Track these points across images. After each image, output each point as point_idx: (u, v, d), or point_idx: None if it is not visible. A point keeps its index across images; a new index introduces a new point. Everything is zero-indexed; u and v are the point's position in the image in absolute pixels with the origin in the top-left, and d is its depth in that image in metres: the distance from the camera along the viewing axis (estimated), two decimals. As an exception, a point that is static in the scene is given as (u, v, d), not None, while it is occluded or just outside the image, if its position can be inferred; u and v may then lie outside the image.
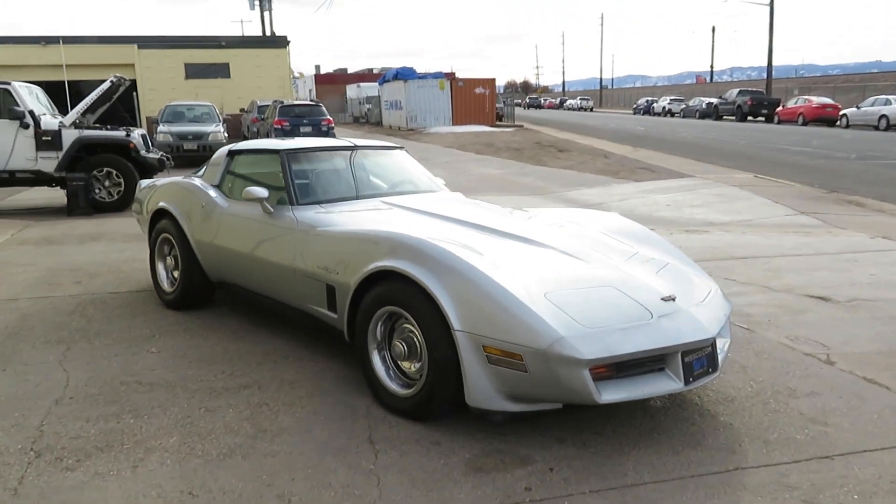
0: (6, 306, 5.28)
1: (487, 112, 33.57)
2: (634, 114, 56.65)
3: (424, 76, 32.85)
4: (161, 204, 5.21)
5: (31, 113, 9.96)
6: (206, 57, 28.08)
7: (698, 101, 45.25)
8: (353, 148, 4.94)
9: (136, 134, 10.68)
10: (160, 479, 2.84)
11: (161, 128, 17.21)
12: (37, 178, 10.18)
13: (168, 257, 5.26)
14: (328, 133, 19.19)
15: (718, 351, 3.42)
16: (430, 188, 5.02)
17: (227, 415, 3.42)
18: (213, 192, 4.88)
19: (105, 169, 10.30)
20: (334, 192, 4.54)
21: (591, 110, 67.30)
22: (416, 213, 4.14)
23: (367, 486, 2.81)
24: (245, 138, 22.59)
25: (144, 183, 6.04)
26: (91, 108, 10.66)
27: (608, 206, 11.40)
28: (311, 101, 22.74)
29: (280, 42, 30.16)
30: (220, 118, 18.36)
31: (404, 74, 32.82)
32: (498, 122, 34.72)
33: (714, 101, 42.28)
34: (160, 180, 5.70)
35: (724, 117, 40.37)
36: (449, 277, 3.17)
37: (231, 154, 5.04)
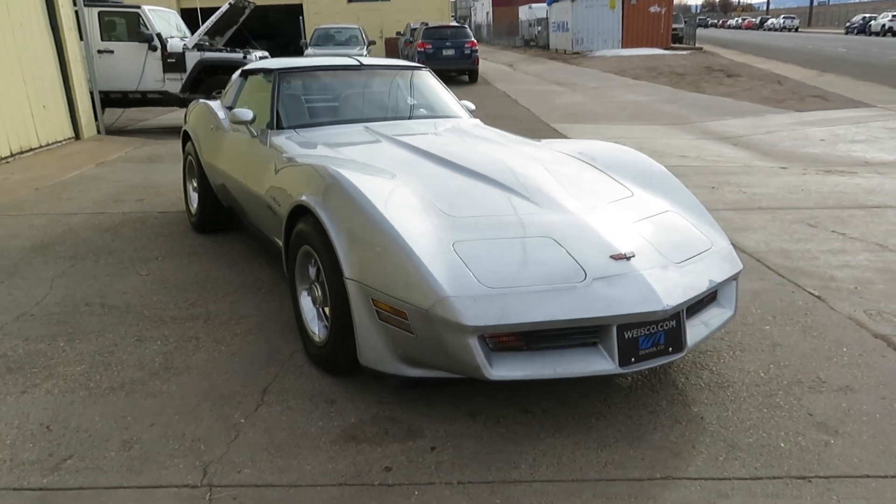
0: (60, 220, 5.57)
1: (662, 33, 30.90)
2: (846, 33, 49.63)
3: (595, -6, 30.75)
4: (185, 126, 5.16)
5: (159, 36, 10.46)
6: (368, -20, 28.25)
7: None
8: (359, 67, 4.50)
9: (254, 56, 10.89)
10: (33, 409, 2.77)
11: (308, 51, 17.59)
12: (164, 99, 10.77)
13: (193, 180, 5.23)
14: (470, 56, 18.60)
15: (690, 326, 2.72)
16: (445, 113, 4.49)
17: (150, 347, 3.30)
18: (221, 115, 4.71)
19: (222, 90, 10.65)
20: (317, 116, 4.17)
21: (796, 30, 59.97)
22: (389, 142, 3.67)
23: (218, 442, 2.54)
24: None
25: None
26: (218, 31, 10.99)
27: (748, 138, 9.99)
28: (456, 23, 22.08)
29: (441, -38, 29.53)
30: (366, 42, 18.39)
31: (573, -8, 30.91)
32: (674, 45, 31.93)
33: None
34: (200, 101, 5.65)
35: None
36: (349, 218, 2.73)
37: (244, 74, 4.82)
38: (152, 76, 10.55)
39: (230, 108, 4.76)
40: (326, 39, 18.36)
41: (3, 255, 4.67)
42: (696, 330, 2.76)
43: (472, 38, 18.92)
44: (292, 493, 2.27)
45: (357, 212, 2.70)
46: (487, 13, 58.31)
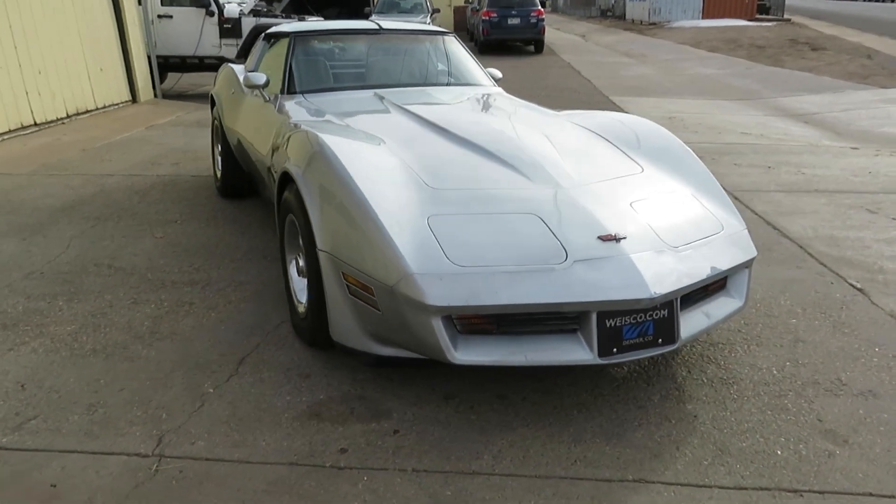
0: (96, 181, 5.68)
1: (747, 3, 29.33)
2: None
3: (675, -39, 29.39)
4: (213, 89, 5.13)
5: (216, 1, 10.52)
6: (442, -54, 27.77)
7: None
8: (378, 31, 4.34)
9: (309, 21, 10.84)
10: (14, 366, 2.79)
11: (372, 18, 17.47)
12: (220, 64, 10.85)
13: (218, 144, 5.21)
14: (536, 25, 18.06)
15: (687, 316, 2.49)
16: (466, 81, 4.30)
17: (143, 310, 3.29)
18: (242, 78, 4.64)
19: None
20: (329, 81, 4.05)
21: (899, 2, 55.74)
22: (396, 109, 3.50)
23: (181, 412, 2.49)
24: (467, 31, 22.30)
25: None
26: (275, -4, 10.98)
27: (821, 116, 9.34)
28: None
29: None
30: (430, 9, 18.14)
31: (652, -40, 29.64)
32: (759, 16, 30.28)
33: None
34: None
35: None
36: (326, 187, 2.61)
37: (267, 38, 4.73)
38: (209, 41, 10.65)
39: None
40: (391, 7, 18.21)
41: (33, 213, 4.77)
42: (694, 321, 2.52)
43: (539, 7, 18.37)
44: (239, 469, 2.19)
45: (335, 182, 2.57)
46: (565, -19, 56.73)
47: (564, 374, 2.73)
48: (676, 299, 2.39)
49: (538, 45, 18.82)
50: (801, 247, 4.27)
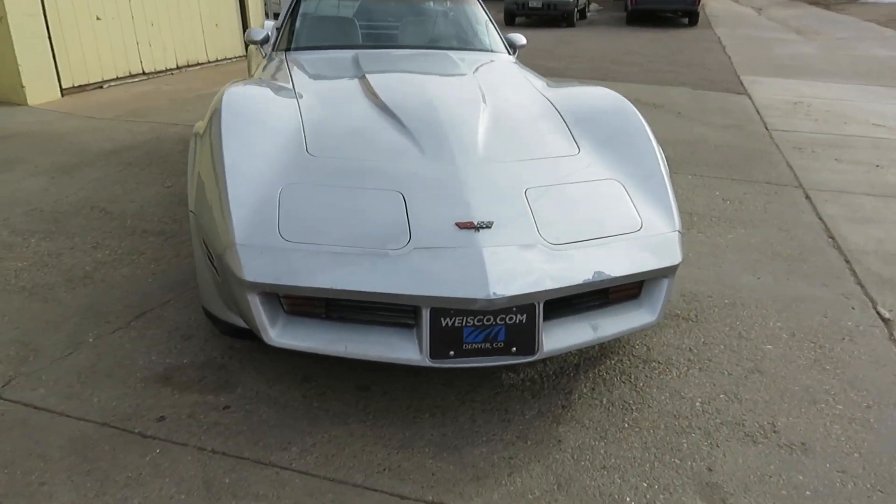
0: (160, 129, 5.97)
1: (964, -23, 25.38)
2: None
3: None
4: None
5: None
6: None
7: None
8: (388, -11, 4.12)
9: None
10: (-53, 294, 2.97)
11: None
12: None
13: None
14: (692, 9, 16.65)
15: (563, 326, 2.15)
16: (471, 46, 4.00)
17: (95, 255, 3.39)
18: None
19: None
20: (322, 39, 3.89)
21: None
22: (351, 70, 3.28)
23: (48, 357, 2.53)
24: (625, 8, 21.15)
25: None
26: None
27: None
28: None
29: None
30: (577, -24, 17.35)
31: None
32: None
33: None
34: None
35: None
36: (204, 147, 2.49)
37: (295, -4, 4.66)
38: None
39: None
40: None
41: (80, 154, 5.10)
42: (571, 332, 2.16)
43: (698, -16, 16.96)
44: (54, 421, 2.18)
45: (212, 142, 2.44)
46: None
47: (450, 373, 2.47)
48: (538, 304, 2.05)
49: (692, 18, 17.44)
50: (846, 261, 3.59)
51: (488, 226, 2.12)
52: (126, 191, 4.32)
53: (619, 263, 2.16)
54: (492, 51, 3.99)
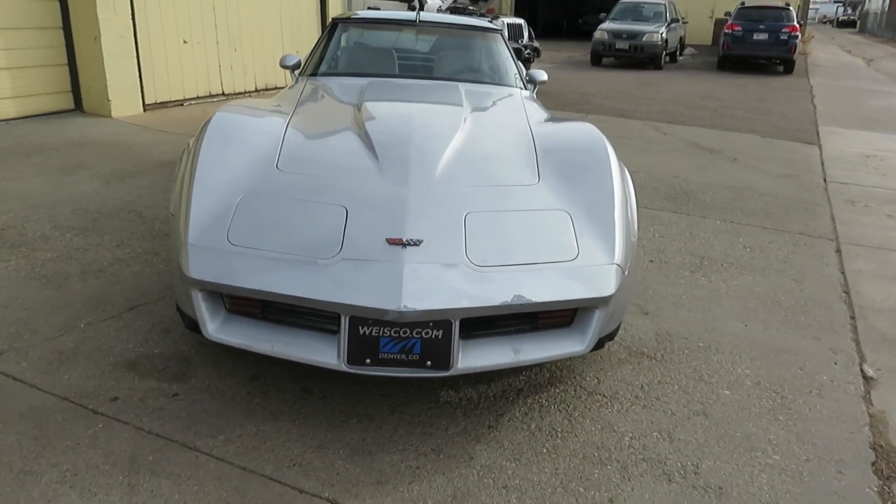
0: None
1: None
2: None
3: None
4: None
5: (418, -3, 11.12)
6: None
7: None
8: (414, 23, 4.32)
9: (500, 22, 10.98)
10: (-21, 276, 3.34)
11: (602, 24, 17.08)
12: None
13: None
14: (787, 43, 16.16)
15: (483, 346, 2.23)
16: (488, 80, 4.14)
17: (116, 252, 3.71)
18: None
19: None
20: (346, 66, 4.14)
21: None
22: (357, 96, 3.47)
23: (41, 337, 2.81)
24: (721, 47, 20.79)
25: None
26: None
27: None
28: (783, 3, 19.12)
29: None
30: (669, 19, 17.21)
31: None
32: None
33: None
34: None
35: None
36: (188, 159, 2.73)
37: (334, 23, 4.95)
38: (407, 35, 11.29)
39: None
40: (626, 14, 17.58)
41: (140, 163, 5.55)
42: (489, 352, 2.24)
43: (794, 23, 16.42)
44: (23, 391, 2.43)
45: (192, 155, 2.68)
46: (885, 0, 49.93)
47: (395, 383, 2.57)
48: (454, 321, 2.14)
49: (787, 65, 16.90)
50: (852, 316, 3.46)
51: (417, 244, 2.23)
52: (167, 198, 4.68)
53: (542, 289, 2.22)
54: (506, 85, 4.11)
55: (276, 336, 2.25)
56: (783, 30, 16.30)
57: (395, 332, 2.14)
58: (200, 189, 2.46)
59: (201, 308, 2.27)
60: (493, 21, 10.68)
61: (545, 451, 2.28)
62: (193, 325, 2.62)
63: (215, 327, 2.28)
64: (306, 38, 9.99)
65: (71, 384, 2.49)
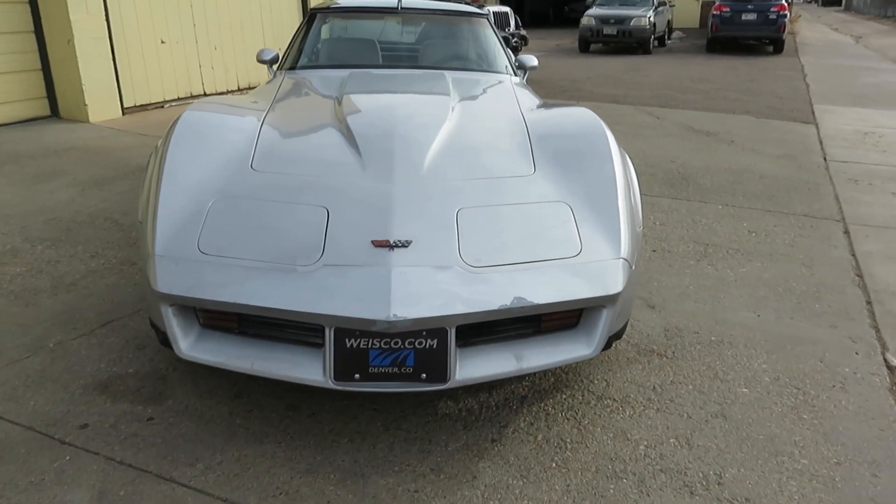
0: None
1: None
2: None
3: None
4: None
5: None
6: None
7: None
8: (396, 11, 4.11)
9: (488, 9, 10.75)
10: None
11: (590, 10, 16.87)
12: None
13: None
14: (776, 22, 15.98)
15: (482, 354, 2.04)
16: (474, 66, 3.93)
17: (89, 264, 3.50)
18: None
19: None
20: (320, 59, 3.93)
21: None
22: (336, 89, 3.25)
23: (5, 359, 2.60)
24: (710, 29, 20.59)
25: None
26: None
27: None
28: None
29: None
30: (656, 2, 17.00)
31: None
32: None
33: None
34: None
35: None
36: (155, 161, 2.52)
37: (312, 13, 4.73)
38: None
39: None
40: (612, -1, 17.36)
41: (118, 169, 5.33)
42: (489, 361, 2.05)
43: (782, 2, 16.25)
44: (-17, 422, 2.23)
45: (159, 156, 2.48)
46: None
47: (389, 396, 2.38)
48: (450, 329, 1.95)
49: (777, 45, 16.71)
50: (868, 301, 3.29)
51: (405, 245, 2.04)
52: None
53: (545, 290, 2.03)
54: (495, 71, 3.91)
55: (255, 352, 2.06)
56: (771, 9, 16.12)
57: (385, 344, 1.95)
58: (168, 194, 2.25)
59: (172, 324, 2.08)
60: (480, 10, 10.45)
61: (554, 465, 2.09)
62: (167, 341, 2.43)
63: (188, 345, 2.08)
64: (288, 32, 9.74)
65: (37, 411, 2.30)
